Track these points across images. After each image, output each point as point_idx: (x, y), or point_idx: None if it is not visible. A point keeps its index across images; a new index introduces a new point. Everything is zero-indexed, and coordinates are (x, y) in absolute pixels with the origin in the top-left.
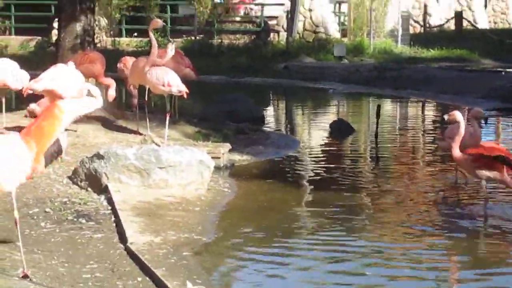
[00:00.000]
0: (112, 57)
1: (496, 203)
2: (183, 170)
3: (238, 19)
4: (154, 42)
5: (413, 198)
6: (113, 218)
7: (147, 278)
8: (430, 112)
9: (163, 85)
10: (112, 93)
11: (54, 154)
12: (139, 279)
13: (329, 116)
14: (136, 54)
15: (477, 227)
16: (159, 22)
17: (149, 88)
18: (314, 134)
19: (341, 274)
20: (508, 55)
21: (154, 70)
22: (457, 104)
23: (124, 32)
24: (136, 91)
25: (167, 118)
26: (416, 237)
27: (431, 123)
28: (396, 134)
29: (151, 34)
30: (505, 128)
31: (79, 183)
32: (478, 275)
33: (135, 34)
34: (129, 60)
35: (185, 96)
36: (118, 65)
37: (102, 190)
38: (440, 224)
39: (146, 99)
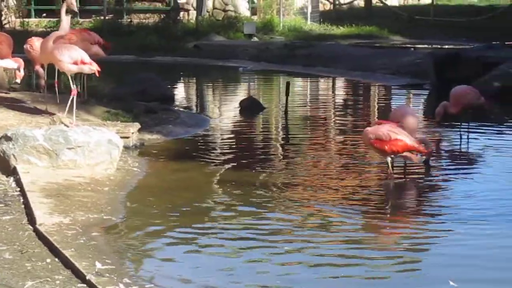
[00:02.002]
0: (20, 38)
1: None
2: (92, 150)
3: None
4: (64, 21)
5: (321, 175)
6: (21, 200)
7: (56, 259)
8: (340, 88)
9: (75, 64)
10: (20, 72)
11: None
12: (48, 260)
13: (240, 94)
14: (45, 34)
15: (382, 204)
16: (73, 4)
17: (58, 69)
18: (225, 113)
19: (251, 250)
20: (417, 32)
21: (64, 49)
22: (367, 81)
23: (33, 12)
24: (44, 71)
25: (74, 97)
26: (324, 214)
27: (341, 99)
28: (306, 111)
29: (63, 13)
30: (415, 104)
31: None
32: (375, 250)
33: (44, 14)
34: (35, 41)
35: (97, 74)
36: (25, 46)
37: (11, 172)
38: (346, 201)
39: (56, 79)
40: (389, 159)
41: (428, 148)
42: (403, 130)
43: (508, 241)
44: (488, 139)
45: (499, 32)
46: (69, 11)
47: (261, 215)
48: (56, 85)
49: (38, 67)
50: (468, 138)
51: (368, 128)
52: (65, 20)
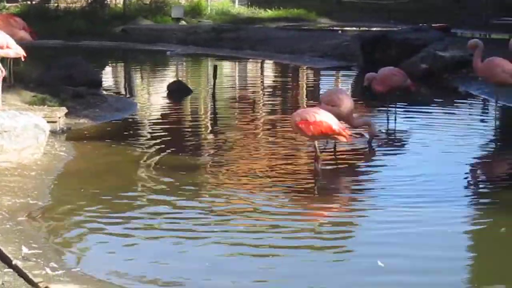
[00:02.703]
0: None
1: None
2: (18, 135)
3: None
4: None
5: (249, 158)
6: None
7: None
8: (269, 71)
9: (1, 47)
10: None
11: None
12: None
13: (167, 78)
14: None
15: (308, 188)
16: None
17: None
18: (152, 97)
19: (181, 232)
20: (345, 14)
21: None
22: (295, 63)
23: None
24: None
25: (0, 82)
26: (251, 198)
27: (269, 82)
28: (234, 94)
29: None
30: (343, 85)
31: None
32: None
33: None
34: None
35: (22, 58)
36: None
37: None
38: (273, 185)
39: None
40: (316, 142)
41: (373, 130)
42: (338, 113)
43: (429, 221)
44: (415, 120)
45: (427, 15)
46: None
47: (187, 199)
48: None
49: None
50: (395, 120)
51: (296, 111)
52: None
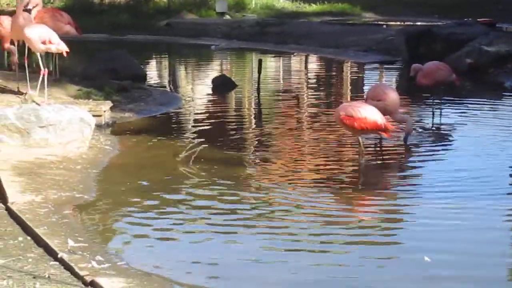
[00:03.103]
0: None
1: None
2: (63, 128)
3: None
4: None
5: (295, 153)
6: None
7: (28, 238)
8: (313, 66)
9: (43, 43)
10: None
11: None
12: (20, 238)
13: (212, 72)
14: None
15: (354, 182)
16: None
17: (28, 47)
18: (197, 91)
19: (224, 226)
20: (390, 9)
21: (34, 28)
22: (340, 58)
23: None
24: (15, 48)
25: (45, 76)
26: (297, 192)
27: (314, 77)
28: (279, 89)
29: None
30: (387, 81)
31: None
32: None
33: None
34: (4, 20)
35: (65, 54)
36: None
37: None
38: (318, 180)
39: (27, 57)
40: (360, 136)
41: (409, 127)
42: (384, 107)
43: (475, 216)
44: (460, 115)
45: (471, 9)
46: None
47: (234, 194)
48: (26, 62)
49: (8, 45)
50: (440, 115)
51: (340, 105)
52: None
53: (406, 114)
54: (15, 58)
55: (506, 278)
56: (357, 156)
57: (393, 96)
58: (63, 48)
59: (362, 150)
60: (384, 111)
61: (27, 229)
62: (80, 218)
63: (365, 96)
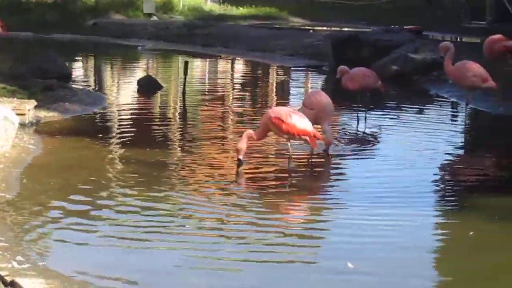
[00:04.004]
0: None
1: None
2: None
3: None
4: None
5: (218, 155)
6: None
7: None
8: (239, 69)
9: None
10: None
11: None
12: None
13: (138, 73)
14: None
15: (280, 187)
16: None
17: None
18: (122, 91)
19: (144, 227)
20: (317, 14)
21: None
22: (266, 61)
23: None
24: None
25: None
26: (221, 194)
27: (240, 79)
28: (204, 91)
29: None
30: (313, 86)
31: None
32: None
33: None
34: None
35: None
36: None
37: None
38: (242, 183)
39: None
40: (288, 142)
41: (329, 139)
42: (317, 115)
43: (401, 221)
44: (384, 121)
45: (398, 16)
46: None
47: (154, 196)
48: None
49: None
50: (365, 121)
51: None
52: None
53: (327, 126)
54: None
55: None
56: (282, 160)
57: (327, 104)
58: None
59: (291, 155)
60: (316, 119)
61: None
62: (1, 217)
63: (301, 103)
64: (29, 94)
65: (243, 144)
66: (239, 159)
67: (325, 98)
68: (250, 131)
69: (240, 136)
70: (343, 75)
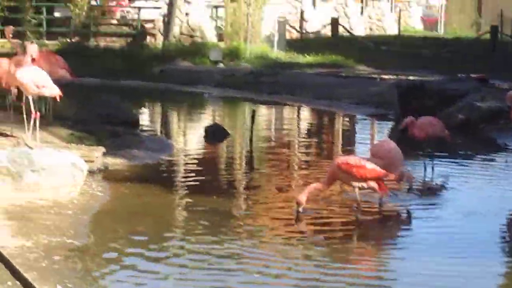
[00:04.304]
0: None
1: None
2: (55, 173)
3: (114, 21)
4: (17, 46)
5: (286, 204)
6: None
7: (18, 283)
8: (305, 117)
9: (37, 87)
10: None
11: None
12: (9, 283)
13: (205, 120)
14: (10, 55)
15: (349, 235)
16: (10, 28)
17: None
18: (189, 138)
19: (212, 275)
20: (383, 62)
21: (26, 71)
22: (332, 109)
23: None
24: (16, 91)
25: (37, 119)
26: (289, 243)
27: (305, 127)
28: (271, 139)
29: (10, 40)
30: (379, 133)
31: None
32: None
33: (11, 35)
34: (1, 61)
35: (58, 99)
36: None
37: None
38: (304, 232)
39: (24, 101)
40: (357, 188)
41: (409, 175)
42: (386, 165)
43: (471, 272)
44: (452, 170)
45: (464, 65)
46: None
47: (222, 242)
48: (23, 106)
49: (10, 87)
50: (432, 170)
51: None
52: (29, 48)
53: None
54: (13, 98)
55: None
56: (349, 210)
57: (396, 154)
58: (56, 92)
59: (359, 203)
60: (385, 169)
61: (16, 274)
62: (69, 263)
63: (368, 153)
64: (97, 140)
65: (303, 198)
66: (298, 211)
67: (394, 147)
68: (313, 185)
69: (305, 185)
70: (409, 125)
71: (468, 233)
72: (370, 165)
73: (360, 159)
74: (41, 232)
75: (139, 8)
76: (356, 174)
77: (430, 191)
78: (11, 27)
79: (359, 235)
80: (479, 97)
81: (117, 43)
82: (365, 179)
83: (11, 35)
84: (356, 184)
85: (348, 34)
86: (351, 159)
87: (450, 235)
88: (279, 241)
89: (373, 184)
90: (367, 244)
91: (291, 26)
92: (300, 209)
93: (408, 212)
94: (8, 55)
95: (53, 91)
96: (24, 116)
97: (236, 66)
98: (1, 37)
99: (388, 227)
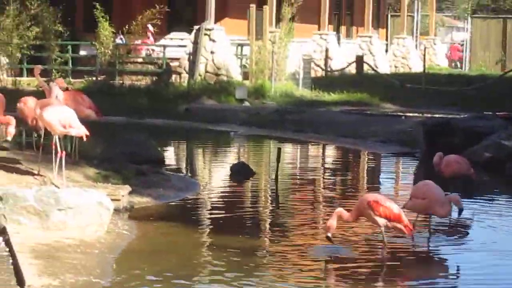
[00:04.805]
0: (12, 96)
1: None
2: (82, 212)
3: (140, 60)
4: (45, 86)
5: (312, 244)
6: (10, 261)
7: None
8: (330, 155)
9: (64, 127)
10: (11, 130)
11: None
12: None
13: (230, 158)
14: (36, 94)
15: (377, 275)
16: (38, 68)
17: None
18: (215, 177)
19: None
20: (408, 100)
21: (53, 111)
22: (358, 148)
23: (25, 71)
24: (43, 131)
25: (63, 158)
26: (314, 282)
27: (331, 166)
28: (296, 178)
29: (39, 79)
30: (404, 172)
31: None
32: None
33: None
34: (29, 100)
35: (84, 139)
36: (18, 105)
37: (0, 231)
38: (332, 270)
39: (53, 141)
40: (382, 228)
41: (459, 204)
42: (429, 205)
43: None
44: (477, 208)
45: (490, 102)
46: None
47: (249, 282)
48: (53, 146)
49: (36, 125)
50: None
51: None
52: (55, 90)
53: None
54: (40, 140)
55: None
56: (373, 249)
57: (440, 193)
58: (83, 132)
59: (385, 242)
60: (428, 209)
61: None
62: None
63: (409, 195)
64: (123, 179)
65: (333, 222)
66: (328, 237)
67: (436, 187)
68: (340, 210)
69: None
70: (439, 162)
71: (500, 273)
72: (396, 209)
73: (388, 199)
74: (67, 271)
75: (164, 47)
76: (382, 213)
77: (457, 230)
78: (40, 66)
79: (384, 275)
80: (506, 135)
81: (142, 81)
82: (390, 219)
83: (39, 74)
84: (380, 222)
85: (373, 71)
86: (380, 198)
87: (483, 275)
88: (308, 280)
89: (398, 224)
90: (393, 286)
91: (316, 64)
92: (329, 234)
93: (435, 251)
94: (35, 94)
95: (80, 131)
96: (53, 155)
97: (261, 104)
98: (28, 76)
99: (416, 268)
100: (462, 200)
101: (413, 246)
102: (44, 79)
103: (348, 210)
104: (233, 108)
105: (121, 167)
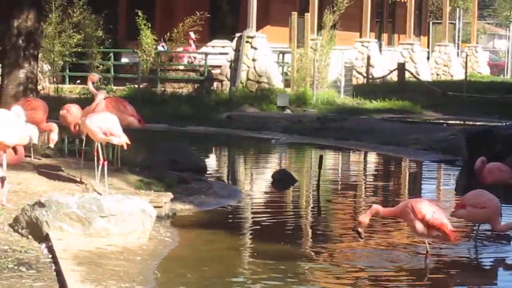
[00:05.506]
0: (55, 104)
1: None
2: (124, 219)
3: (181, 67)
4: (95, 92)
5: (354, 251)
6: (53, 267)
7: None
8: (372, 162)
9: (105, 135)
10: (54, 137)
11: None
12: None
13: (272, 166)
14: (78, 101)
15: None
16: (95, 76)
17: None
18: (257, 184)
19: None
20: (450, 107)
21: (95, 119)
22: (399, 155)
23: (67, 79)
24: (85, 137)
25: (105, 166)
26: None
27: (373, 174)
28: (338, 185)
29: (90, 87)
30: (446, 180)
31: (20, 231)
32: None
33: (78, 81)
34: (71, 107)
35: (125, 147)
36: (61, 112)
37: (43, 238)
38: (377, 276)
39: (96, 148)
40: (422, 235)
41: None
42: (487, 215)
43: None
44: None
45: None
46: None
47: None
48: (95, 153)
49: (79, 131)
50: (500, 216)
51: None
52: (99, 99)
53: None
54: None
55: None
56: (416, 257)
57: (497, 202)
58: (124, 140)
59: (428, 250)
60: (486, 218)
61: None
62: None
63: (463, 203)
64: (165, 186)
65: (366, 218)
66: (358, 231)
67: (493, 196)
68: (377, 206)
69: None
70: (482, 169)
71: None
72: (440, 215)
73: (433, 205)
74: (110, 278)
75: (206, 54)
76: (422, 219)
77: (500, 240)
78: (96, 75)
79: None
80: None
81: (184, 89)
82: (431, 225)
83: (91, 84)
84: (418, 227)
85: (414, 79)
86: (424, 204)
87: None
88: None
89: (436, 232)
90: None
91: (357, 72)
92: (360, 229)
93: (478, 260)
94: (77, 101)
95: (121, 139)
96: (95, 162)
97: (303, 112)
98: (70, 83)
99: (459, 278)
100: (503, 207)
101: (457, 255)
102: (95, 88)
103: (390, 222)
104: (274, 116)
105: (163, 175)
